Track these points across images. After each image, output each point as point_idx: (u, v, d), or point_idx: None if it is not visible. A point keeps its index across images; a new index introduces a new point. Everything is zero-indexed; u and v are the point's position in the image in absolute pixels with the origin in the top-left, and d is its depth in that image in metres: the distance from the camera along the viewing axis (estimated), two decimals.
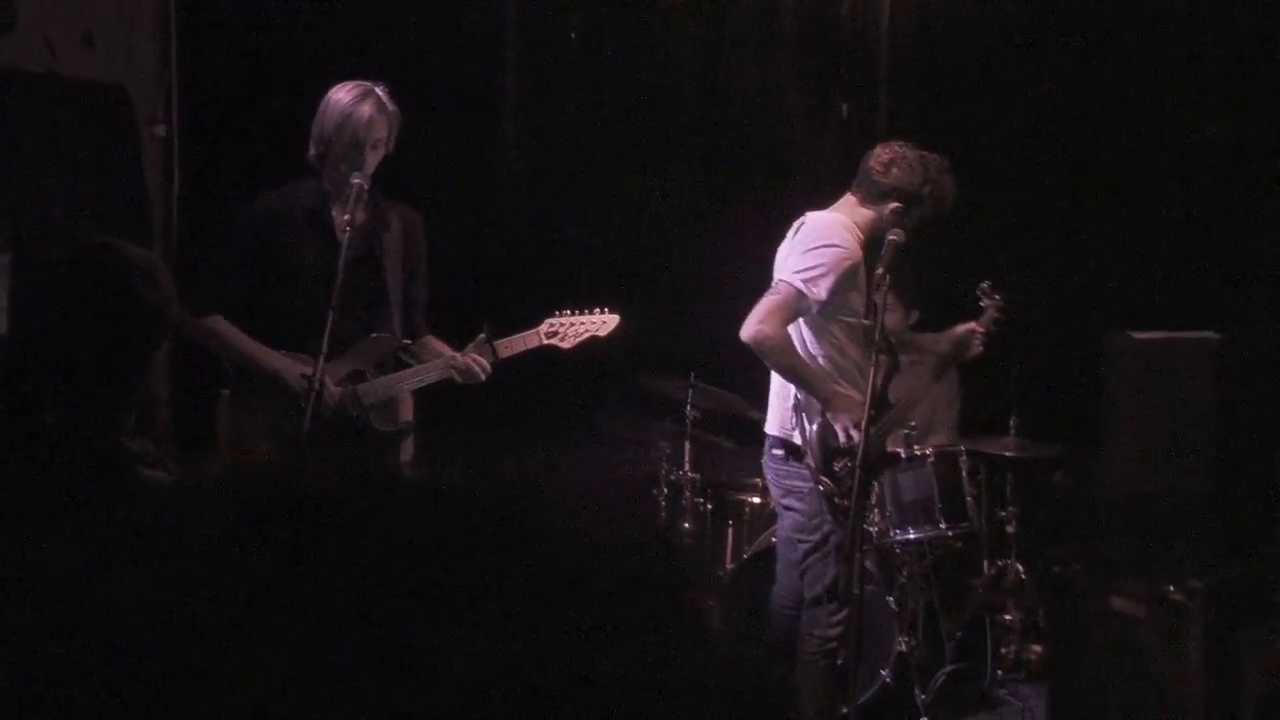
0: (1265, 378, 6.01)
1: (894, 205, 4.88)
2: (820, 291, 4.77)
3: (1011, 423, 6.04)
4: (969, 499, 5.86)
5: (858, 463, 4.43)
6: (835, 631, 4.87)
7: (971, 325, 5.29)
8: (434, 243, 4.86)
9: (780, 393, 5.00)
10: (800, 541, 4.98)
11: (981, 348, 5.29)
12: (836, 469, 4.77)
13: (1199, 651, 4.75)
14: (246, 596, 0.73)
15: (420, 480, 0.85)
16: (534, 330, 4.68)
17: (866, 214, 4.93)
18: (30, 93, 5.29)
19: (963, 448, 5.91)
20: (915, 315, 6.27)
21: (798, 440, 4.87)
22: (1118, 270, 6.72)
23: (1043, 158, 6.96)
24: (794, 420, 4.87)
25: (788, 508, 5.03)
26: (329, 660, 0.72)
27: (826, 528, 4.86)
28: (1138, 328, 6.04)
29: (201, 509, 0.81)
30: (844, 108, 7.04)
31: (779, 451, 4.98)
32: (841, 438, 4.72)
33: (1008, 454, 6.04)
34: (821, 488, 4.78)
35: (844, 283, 4.82)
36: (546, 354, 4.84)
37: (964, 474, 5.86)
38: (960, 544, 6.03)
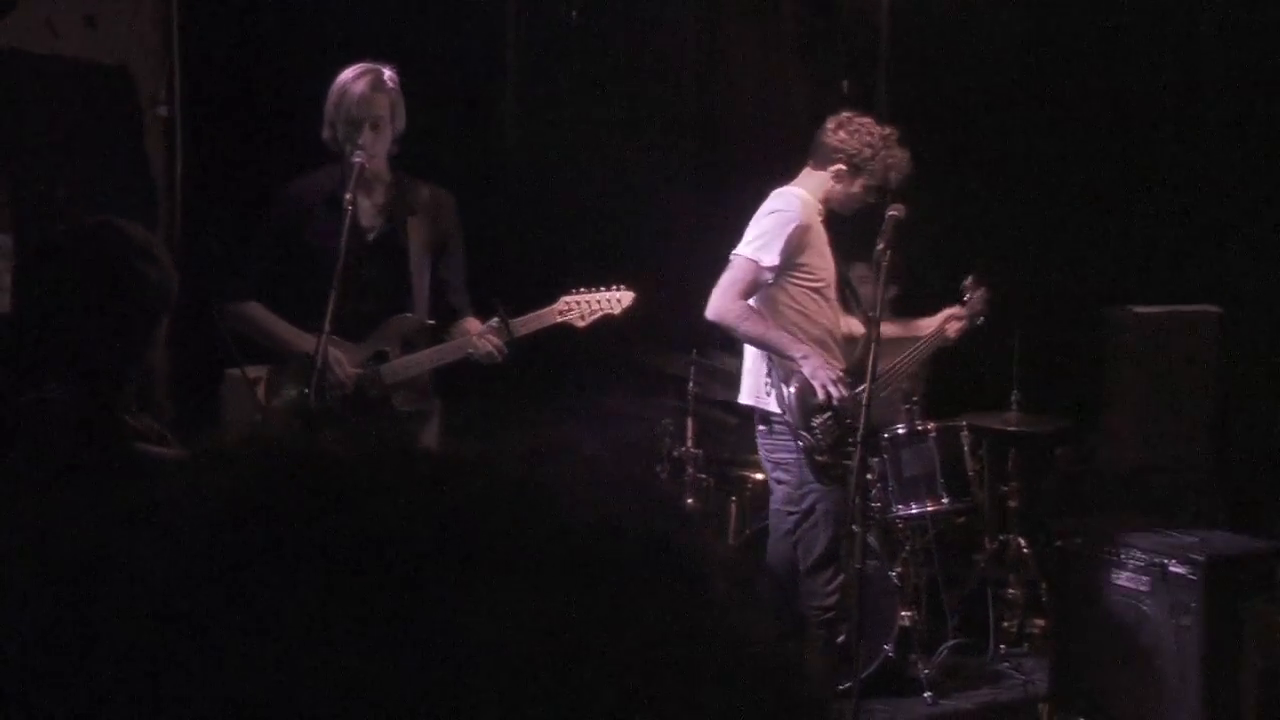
0: (1266, 350, 6.01)
1: (836, 167, 5.00)
2: (769, 257, 4.89)
3: (1013, 398, 6.04)
4: (971, 474, 5.85)
5: (860, 429, 4.47)
6: (832, 600, 4.92)
7: (955, 310, 5.34)
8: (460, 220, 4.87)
9: (752, 363, 5.10)
10: (790, 513, 5.04)
11: (957, 334, 5.34)
12: (815, 425, 4.82)
13: (1200, 625, 4.76)
14: (251, 576, 0.72)
15: (433, 453, 0.83)
16: (549, 308, 4.69)
17: (817, 178, 5.07)
18: (32, 74, 5.28)
19: (965, 423, 5.90)
20: (894, 290, 6.24)
21: (771, 406, 4.94)
22: (1119, 244, 6.71)
23: (1043, 133, 6.94)
24: (767, 385, 4.95)
25: (776, 480, 5.12)
26: (332, 643, 0.70)
27: (813, 496, 4.92)
28: (1139, 302, 6.03)
29: (206, 484, 0.80)
30: (844, 84, 7.01)
31: (761, 426, 5.08)
32: (820, 395, 4.79)
33: (1010, 429, 6.04)
34: (801, 443, 4.83)
35: (793, 245, 4.93)
36: (551, 331, 4.83)
37: (966, 449, 5.85)
38: (962, 519, 6.04)
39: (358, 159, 4.34)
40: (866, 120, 5.08)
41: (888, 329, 5.25)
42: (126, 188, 5.56)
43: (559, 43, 7.00)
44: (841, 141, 4.98)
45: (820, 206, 5.06)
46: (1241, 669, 4.30)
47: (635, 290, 4.92)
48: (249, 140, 5.95)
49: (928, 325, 5.37)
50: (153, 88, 6.14)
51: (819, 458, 4.84)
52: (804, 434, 4.83)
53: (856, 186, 5.00)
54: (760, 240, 4.92)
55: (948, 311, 5.35)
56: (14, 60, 5.25)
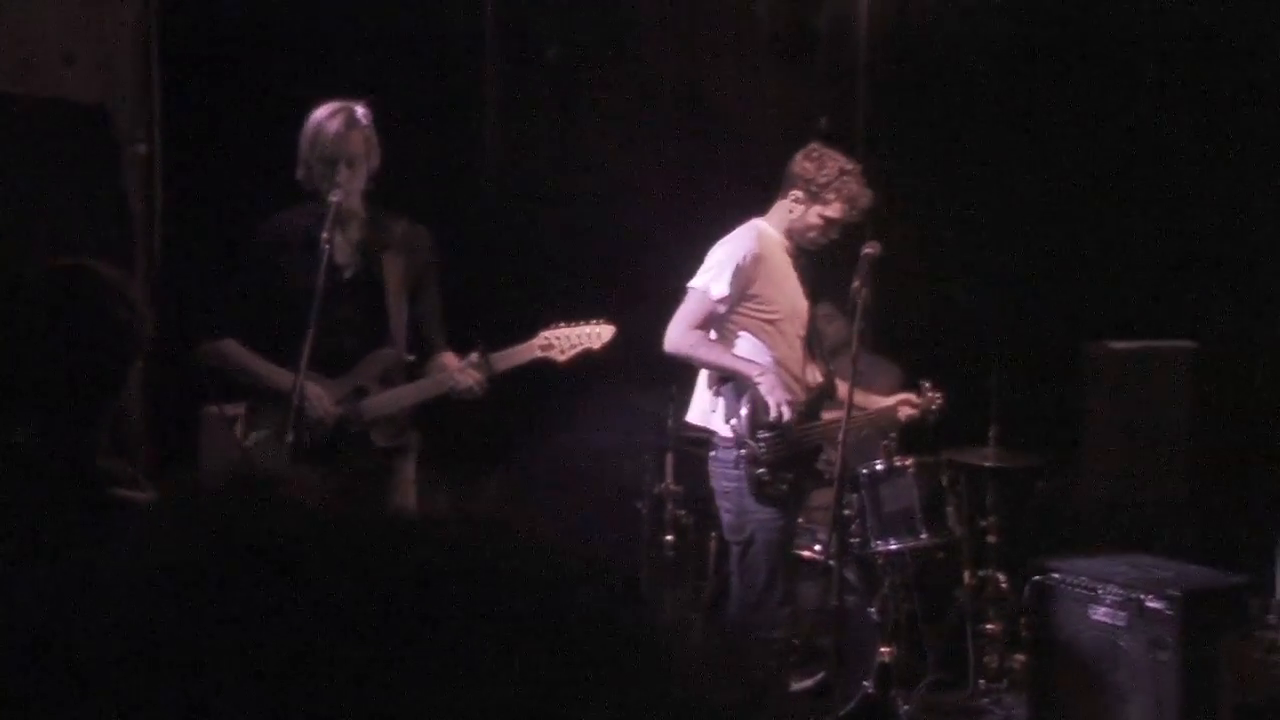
0: (1240, 385, 6.02)
1: (794, 192, 5.04)
2: (719, 288, 4.96)
3: (991, 433, 6.01)
4: (949, 509, 5.84)
5: (837, 466, 4.48)
6: (780, 631, 4.93)
7: (909, 397, 5.38)
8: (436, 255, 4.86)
9: (702, 381, 5.17)
10: (734, 544, 5.06)
11: (906, 420, 5.38)
12: (761, 439, 4.84)
13: (1177, 659, 4.74)
14: (216, 626, 0.71)
15: (388, 519, 0.81)
16: (529, 344, 4.66)
17: (780, 207, 5.12)
18: (9, 113, 5.26)
19: (944, 458, 5.89)
20: (862, 326, 6.25)
21: (716, 425, 4.98)
22: (1095, 281, 6.72)
23: (1021, 169, 6.96)
24: (714, 403, 4.97)
25: (722, 510, 5.17)
26: (293, 702, 0.69)
27: (752, 526, 4.94)
28: (1115, 337, 6.04)
29: (174, 531, 0.78)
30: (823, 120, 7.02)
31: (711, 452, 5.12)
32: (774, 413, 4.81)
33: (988, 464, 6.02)
34: (744, 451, 4.84)
35: (743, 276, 4.97)
36: (531, 367, 4.81)
37: (945, 484, 5.84)
38: (942, 554, 6.01)
39: (335, 198, 4.32)
40: (833, 152, 5.11)
41: (844, 392, 5.23)
42: (104, 226, 5.54)
43: (537, 76, 7.01)
44: (802, 169, 5.04)
45: (783, 240, 5.08)
46: (1218, 704, 4.28)
47: (615, 325, 4.90)
48: (228, 178, 5.93)
49: (880, 400, 5.41)
50: (132, 125, 6.13)
51: (758, 470, 4.87)
52: (749, 442, 4.86)
53: (813, 215, 5.02)
54: (711, 272, 4.99)
55: (903, 396, 5.40)
56: None
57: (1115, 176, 6.78)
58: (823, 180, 4.97)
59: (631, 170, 6.90)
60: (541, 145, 7.02)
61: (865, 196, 5.03)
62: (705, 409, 5.13)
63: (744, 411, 4.92)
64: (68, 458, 2.04)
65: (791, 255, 5.11)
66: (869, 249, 4.80)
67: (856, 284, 4.64)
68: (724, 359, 5.00)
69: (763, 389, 4.86)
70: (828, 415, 5.18)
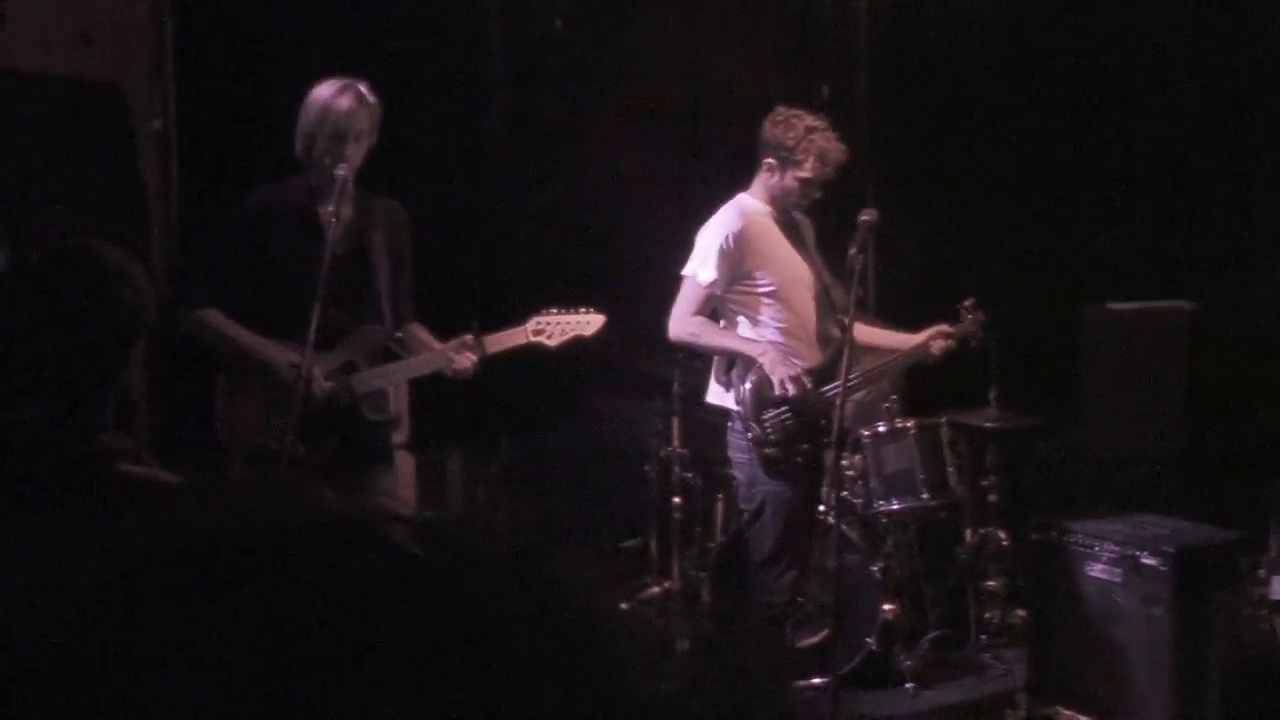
0: (1235, 345, 6.06)
1: (767, 160, 5.05)
2: (707, 274, 5.03)
3: (991, 394, 6.06)
4: (950, 469, 5.90)
5: (835, 429, 4.51)
6: (781, 597, 4.99)
7: (944, 327, 5.30)
8: (421, 235, 4.90)
9: (716, 362, 5.24)
10: (742, 510, 5.13)
11: (941, 352, 5.29)
12: (767, 418, 4.89)
13: (1171, 616, 4.81)
14: (162, 628, 0.74)
15: (338, 527, 0.85)
16: (521, 328, 4.72)
17: (759, 178, 5.14)
18: (25, 91, 5.32)
19: (944, 420, 5.95)
20: (859, 291, 6.23)
21: (729, 403, 5.04)
22: (1094, 244, 6.76)
23: (1020, 137, 6.98)
24: (727, 381, 5.02)
25: (734, 476, 5.25)
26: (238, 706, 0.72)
27: (761, 495, 5.00)
28: (1113, 299, 6.08)
29: (125, 533, 0.82)
30: (825, 90, 7.05)
31: (728, 420, 5.12)
32: (778, 389, 4.86)
33: (988, 425, 6.08)
34: (750, 434, 4.89)
35: (728, 256, 5.02)
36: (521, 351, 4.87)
37: (945, 445, 5.90)
38: (943, 513, 6.08)
39: (340, 172, 4.38)
40: (797, 112, 5.09)
41: (872, 336, 5.27)
42: (119, 202, 5.61)
43: (543, 53, 7.04)
44: (769, 135, 5.04)
45: (768, 209, 5.10)
46: (1209, 658, 4.34)
47: (608, 296, 5.00)
48: (242, 152, 5.99)
49: (912, 338, 5.34)
50: (147, 102, 6.19)
51: (767, 450, 4.94)
52: (754, 424, 4.93)
53: (789, 179, 5.02)
54: (698, 259, 5.06)
55: (937, 328, 5.30)
56: (6, 77, 5.29)
57: (1113, 144, 6.80)
58: (791, 142, 4.96)
59: (634, 141, 6.95)
60: (544, 121, 7.06)
61: (836, 150, 5.01)
62: (719, 390, 5.19)
63: (748, 391, 4.96)
64: (73, 435, 2.09)
65: (780, 223, 5.12)
66: (866, 216, 4.80)
67: (854, 251, 4.66)
68: (725, 341, 5.06)
69: (765, 366, 4.90)
70: (857, 368, 5.19)
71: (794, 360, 4.95)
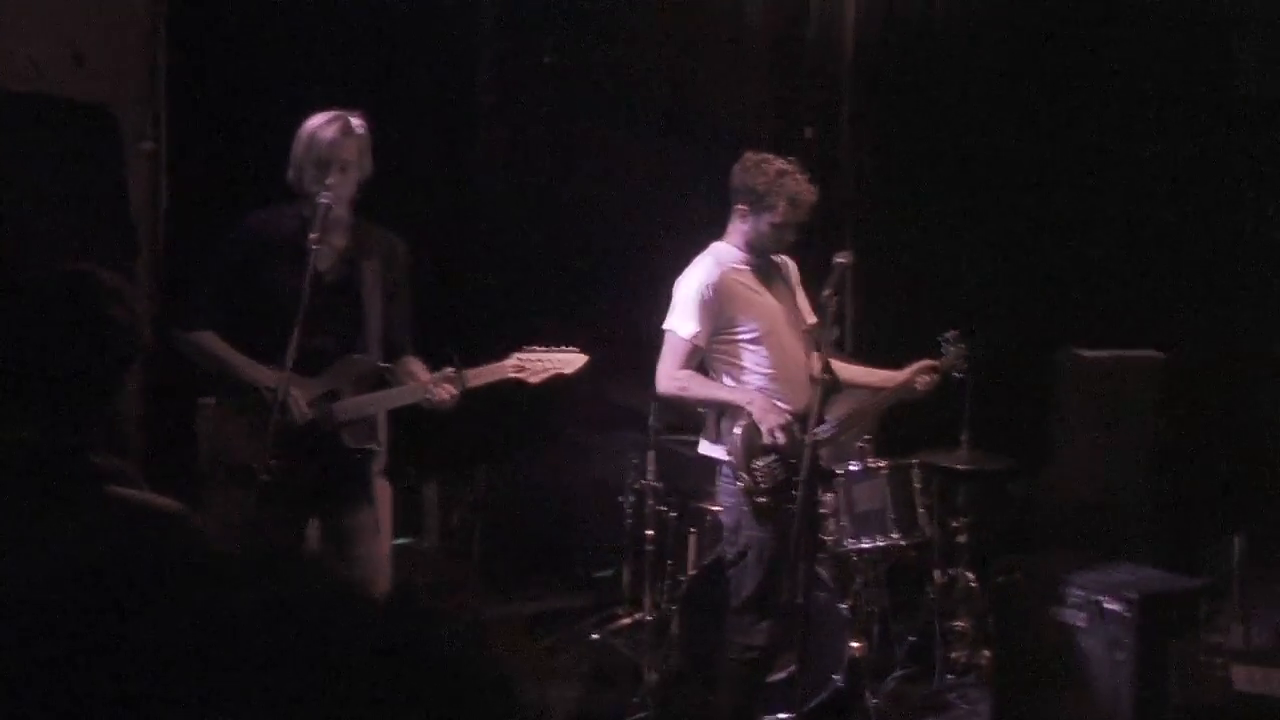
0: (1204, 394, 6.11)
1: (740, 207, 4.99)
2: (688, 328, 4.97)
3: (963, 437, 6.09)
4: (921, 510, 5.92)
5: (803, 469, 4.50)
6: (758, 640, 4.94)
7: (928, 362, 5.25)
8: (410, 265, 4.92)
9: (708, 417, 5.17)
10: (725, 552, 5.10)
11: (925, 388, 5.23)
12: (757, 467, 4.86)
13: (1133, 661, 4.83)
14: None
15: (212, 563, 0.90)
16: (502, 364, 4.73)
17: (733, 225, 5.07)
18: (15, 112, 5.34)
19: (916, 461, 5.98)
20: (835, 332, 6.15)
21: (718, 453, 4.99)
22: (1067, 291, 6.81)
23: (997, 183, 7.05)
24: (715, 432, 5.00)
25: (706, 511, 5.25)
26: None
27: (745, 539, 4.96)
28: (1085, 346, 6.13)
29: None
30: (807, 130, 7.11)
31: (720, 469, 5.08)
32: (766, 438, 4.82)
33: (960, 466, 6.10)
34: (740, 483, 4.88)
35: (708, 306, 4.96)
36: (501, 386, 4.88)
37: (917, 486, 5.92)
38: (913, 552, 6.10)
39: (324, 199, 4.40)
40: (766, 156, 5.01)
41: (855, 375, 5.25)
42: (107, 222, 5.62)
43: (532, 86, 7.09)
44: (739, 181, 4.97)
45: (742, 254, 5.03)
46: (1166, 704, 4.36)
47: (589, 330, 5.02)
48: (232, 175, 6.02)
49: (895, 375, 5.28)
50: (139, 124, 6.21)
51: (758, 499, 4.89)
52: (744, 475, 4.88)
53: (763, 224, 4.94)
54: (678, 312, 4.99)
55: (921, 364, 5.24)
56: None
57: (1088, 195, 6.87)
58: (761, 187, 4.90)
59: (619, 179, 6.99)
60: (532, 153, 7.10)
61: (807, 192, 4.93)
62: (709, 440, 5.14)
63: (738, 439, 4.93)
64: (65, 455, 2.10)
65: (756, 268, 5.06)
66: (841, 258, 4.77)
67: (828, 292, 4.65)
68: (713, 392, 5.01)
69: (754, 415, 4.86)
70: (841, 406, 5.18)
71: (781, 407, 4.87)
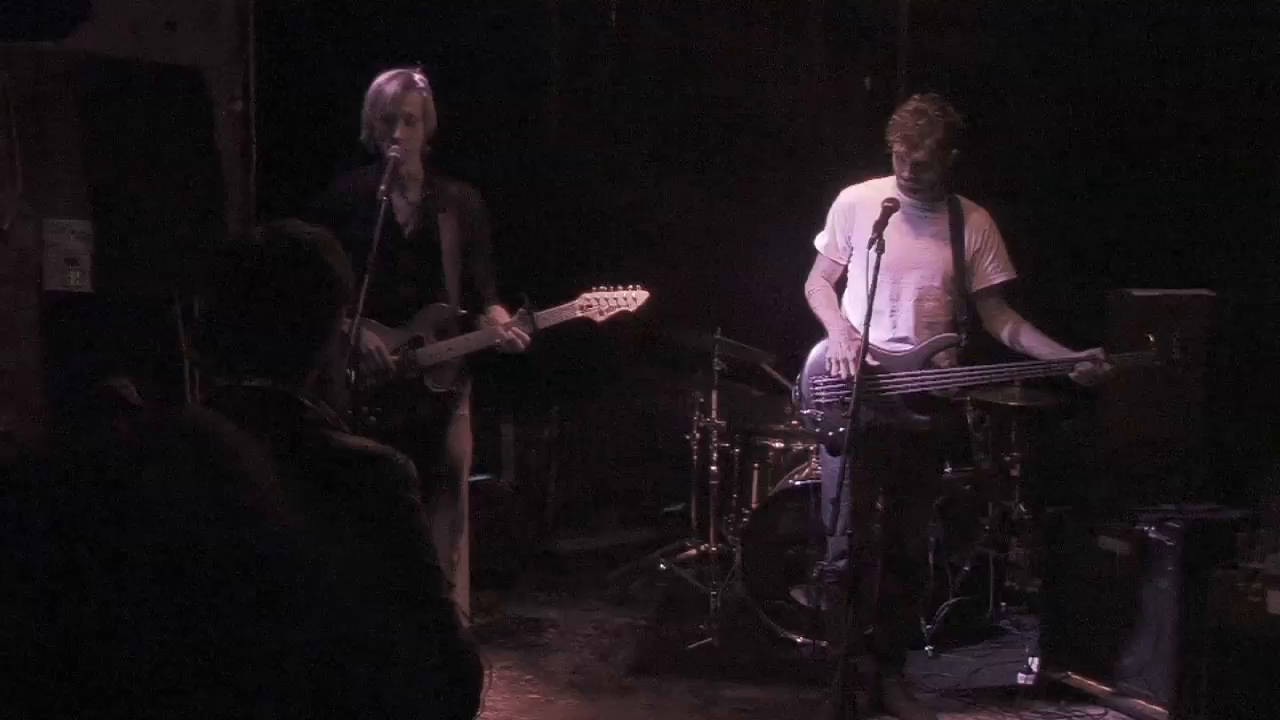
0: (1255, 332, 6.03)
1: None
2: (820, 238, 5.05)
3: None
4: (975, 445, 5.95)
5: (852, 404, 4.47)
6: (838, 565, 4.97)
7: (1097, 352, 4.83)
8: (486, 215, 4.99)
9: None
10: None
11: (1086, 379, 4.84)
12: (816, 382, 4.91)
13: (1175, 587, 4.83)
14: None
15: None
16: (570, 304, 4.81)
17: None
18: (113, 74, 5.48)
19: (968, 398, 5.99)
20: None
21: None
22: (1121, 232, 6.74)
23: (1054, 127, 6.97)
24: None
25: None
26: None
27: (821, 470, 5.01)
28: (1138, 285, 6.06)
29: None
30: (867, 81, 7.07)
31: None
32: (830, 367, 4.86)
33: (1012, 404, 6.10)
34: (795, 392, 5.03)
35: (834, 225, 5.01)
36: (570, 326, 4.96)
37: (970, 422, 5.94)
38: (968, 486, 6.12)
39: (393, 152, 4.51)
40: (915, 96, 4.91)
41: (1032, 342, 4.96)
42: (197, 180, 5.75)
43: (598, 43, 7.13)
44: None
45: (894, 190, 4.86)
46: (1205, 628, 4.36)
47: (654, 276, 5.05)
48: (318, 134, 6.14)
49: (1066, 354, 4.90)
50: (229, 86, 6.34)
51: (804, 411, 4.97)
52: (800, 383, 5.00)
53: (895, 162, 4.84)
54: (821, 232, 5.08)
55: (1092, 352, 4.83)
56: (96, 62, 5.46)
57: (1141, 138, 6.78)
58: (890, 124, 4.81)
59: (683, 133, 7.02)
60: (598, 108, 7.14)
61: (906, 123, 4.75)
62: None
63: (812, 355, 4.97)
64: (288, 401, 2.11)
65: (911, 205, 4.84)
66: (888, 202, 4.73)
67: (873, 235, 4.62)
68: (819, 310, 4.99)
69: (830, 338, 4.88)
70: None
71: (857, 345, 4.68)
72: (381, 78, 4.63)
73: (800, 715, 5.08)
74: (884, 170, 4.97)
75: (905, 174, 4.81)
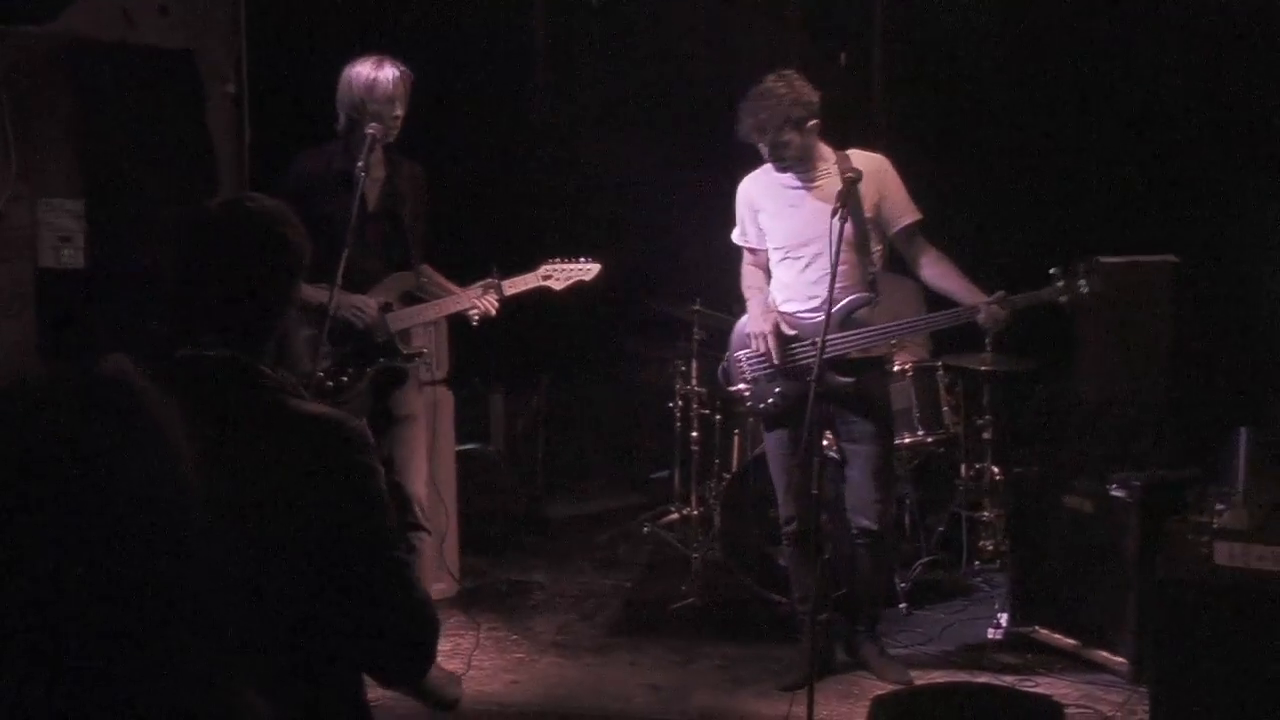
0: (1216, 297, 6.08)
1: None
2: (736, 233, 5.13)
3: (987, 340, 6.11)
4: (945, 409, 6.00)
5: (814, 371, 4.50)
6: (788, 528, 5.08)
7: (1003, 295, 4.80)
8: (459, 192, 5.08)
9: None
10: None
11: (989, 321, 4.84)
12: (740, 356, 5.05)
13: (1135, 543, 4.90)
14: None
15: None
16: (532, 272, 4.95)
17: None
18: (105, 58, 5.53)
19: (940, 363, 6.05)
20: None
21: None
22: (1088, 200, 6.79)
23: (1024, 98, 7.01)
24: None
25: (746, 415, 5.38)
26: None
27: (764, 444, 5.14)
28: (1104, 252, 6.11)
29: None
30: (842, 56, 7.10)
31: None
32: (752, 344, 4.96)
33: (984, 368, 6.15)
34: (720, 369, 5.21)
35: (741, 222, 5.08)
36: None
37: (941, 386, 6.00)
38: (941, 448, 6.18)
39: (371, 129, 4.59)
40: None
41: (946, 281, 4.91)
42: (187, 160, 5.81)
43: (581, 22, 7.16)
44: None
45: (770, 168, 4.98)
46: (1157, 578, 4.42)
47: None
48: (309, 114, 6.18)
49: (979, 300, 4.83)
50: (221, 69, 6.37)
51: (731, 387, 5.07)
52: (725, 361, 5.15)
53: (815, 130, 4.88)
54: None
55: (998, 295, 4.82)
56: (88, 46, 5.50)
57: (1108, 110, 6.82)
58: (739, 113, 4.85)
59: (662, 106, 7.05)
60: (581, 84, 7.18)
61: (755, 109, 4.75)
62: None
63: (735, 336, 5.10)
64: (246, 368, 2.14)
65: (782, 184, 4.93)
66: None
67: (837, 205, 4.64)
68: (744, 291, 5.13)
69: (749, 316, 5.02)
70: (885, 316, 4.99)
71: (771, 318, 4.88)
72: (368, 65, 4.69)
73: (775, 671, 5.16)
74: (861, 143, 5.05)
75: (767, 156, 4.88)
